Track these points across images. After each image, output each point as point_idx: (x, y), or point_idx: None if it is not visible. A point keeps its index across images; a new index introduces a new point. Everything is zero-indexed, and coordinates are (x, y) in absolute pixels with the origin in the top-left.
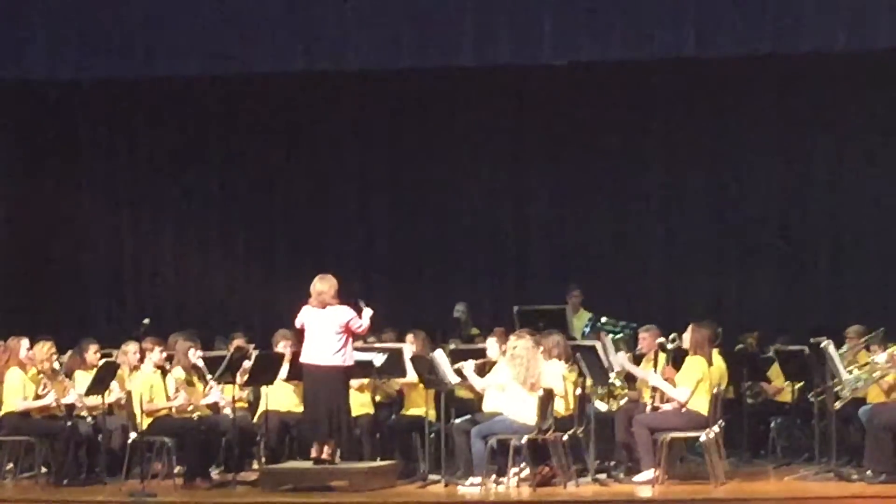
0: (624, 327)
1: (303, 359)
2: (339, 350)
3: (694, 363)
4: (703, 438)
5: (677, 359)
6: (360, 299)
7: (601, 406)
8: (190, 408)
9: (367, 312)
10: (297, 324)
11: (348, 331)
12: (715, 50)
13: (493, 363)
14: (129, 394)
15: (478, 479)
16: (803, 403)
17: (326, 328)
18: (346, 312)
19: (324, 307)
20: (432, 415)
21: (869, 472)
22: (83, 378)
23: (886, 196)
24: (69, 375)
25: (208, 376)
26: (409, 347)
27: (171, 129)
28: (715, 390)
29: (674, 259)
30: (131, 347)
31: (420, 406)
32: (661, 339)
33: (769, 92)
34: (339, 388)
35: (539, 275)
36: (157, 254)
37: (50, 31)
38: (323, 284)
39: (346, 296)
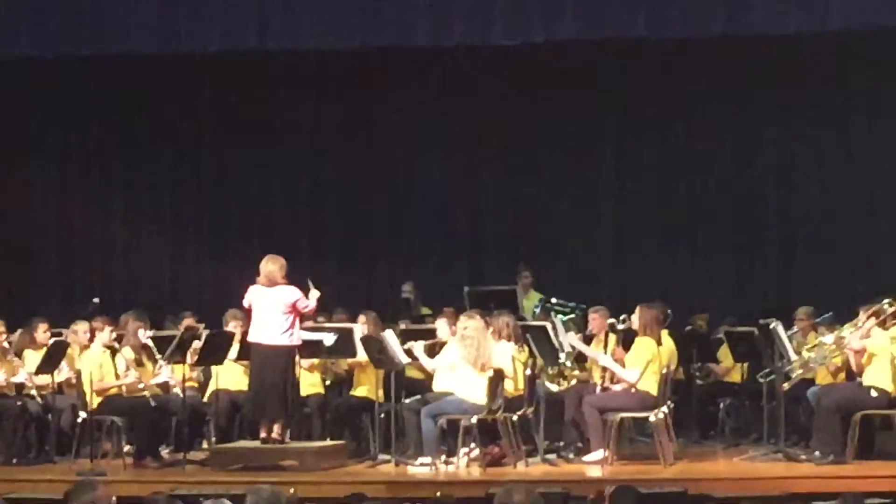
0: (574, 308)
1: (250, 338)
2: (287, 330)
3: (643, 344)
4: (652, 419)
5: (627, 340)
6: (310, 279)
7: (551, 386)
8: (140, 386)
9: (314, 294)
10: (245, 303)
11: (295, 310)
12: (666, 31)
13: (444, 343)
14: (78, 373)
15: (428, 459)
16: (752, 384)
17: (273, 307)
18: (292, 292)
19: (272, 286)
20: (381, 395)
21: (817, 453)
22: (33, 357)
23: (837, 179)
24: (18, 354)
25: (158, 356)
26: (360, 328)
27: (122, 109)
28: (664, 371)
29: (624, 241)
30: (81, 327)
31: (370, 386)
32: (612, 320)
33: (720, 74)
34: (285, 368)
35: (490, 255)
36: (107, 233)
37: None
38: (272, 264)
39: (295, 276)
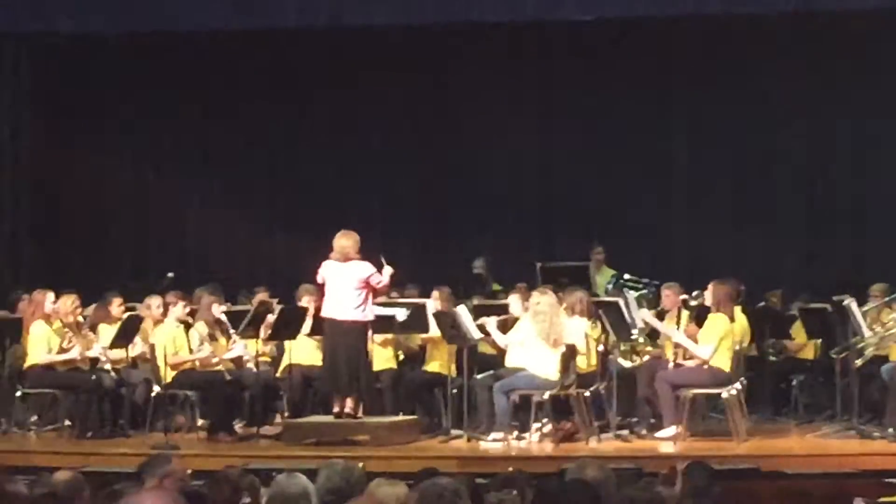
0: (647, 284)
1: (323, 313)
2: (360, 305)
3: (716, 320)
4: (725, 395)
5: (700, 316)
6: (382, 255)
7: (624, 363)
8: (214, 360)
9: (388, 270)
10: (319, 278)
11: (368, 286)
12: (742, 7)
13: (516, 319)
14: (152, 347)
15: (500, 434)
16: (825, 361)
17: (347, 283)
18: (366, 268)
19: (346, 261)
20: (453, 370)
21: (891, 430)
22: (107, 331)
23: None
24: (93, 329)
25: (231, 331)
26: (433, 304)
27: (197, 84)
28: (737, 347)
29: (697, 217)
30: (155, 301)
31: (443, 362)
32: (684, 297)
33: (795, 51)
34: (358, 343)
35: (563, 231)
36: (181, 208)
37: None
38: (346, 240)
39: (368, 252)
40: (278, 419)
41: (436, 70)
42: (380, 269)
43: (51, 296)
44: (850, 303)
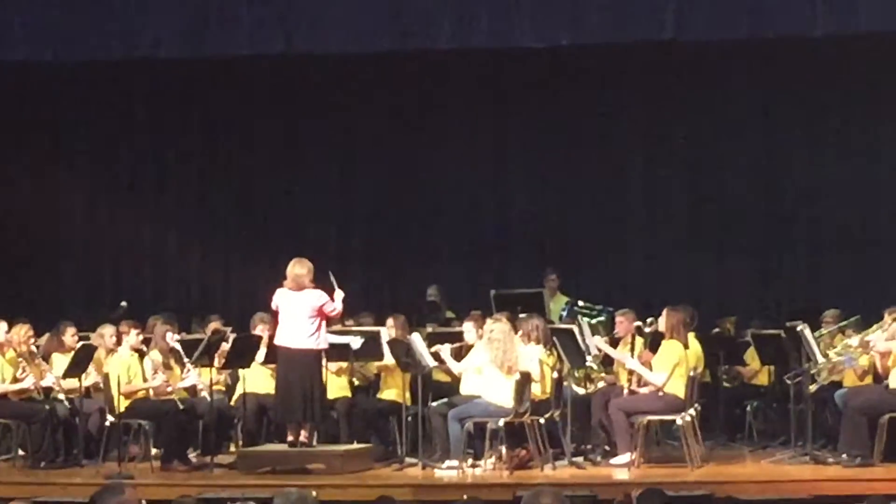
0: (601, 311)
1: (276, 341)
2: (313, 333)
3: (670, 347)
4: (679, 422)
5: (654, 343)
6: (332, 274)
7: (578, 389)
8: (168, 389)
9: (339, 295)
10: (273, 306)
11: (322, 314)
12: (693, 33)
13: (471, 346)
14: (106, 376)
15: (455, 462)
16: (779, 387)
17: (300, 311)
18: (319, 296)
19: (299, 289)
20: (408, 398)
21: (844, 456)
22: (61, 361)
23: (864, 180)
24: (46, 358)
25: (186, 359)
26: (388, 331)
27: (150, 112)
28: (691, 374)
29: (651, 243)
30: (108, 330)
31: (397, 390)
32: (638, 323)
33: (746, 76)
34: (312, 371)
35: (517, 259)
36: (135, 237)
37: (30, 14)
38: (300, 268)
39: (322, 280)
40: (232, 448)
41: (390, 98)
42: (331, 291)
43: (3, 325)
44: (804, 328)
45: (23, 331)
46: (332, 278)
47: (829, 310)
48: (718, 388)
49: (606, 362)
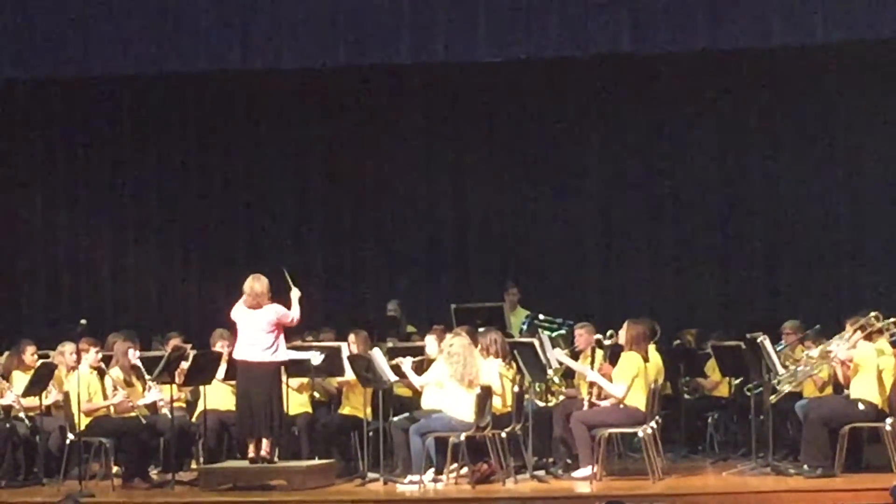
0: (561, 324)
1: (235, 355)
2: (271, 346)
3: (629, 359)
4: (640, 434)
5: (614, 355)
6: (286, 270)
7: (539, 403)
8: (130, 406)
9: (296, 294)
10: (232, 316)
11: (279, 327)
12: (650, 46)
13: (432, 361)
14: (66, 395)
15: (416, 477)
16: (740, 398)
17: (258, 325)
18: (275, 310)
19: (256, 304)
20: (369, 413)
21: (805, 467)
22: (21, 379)
23: (823, 193)
24: (6, 377)
25: (147, 376)
26: (350, 347)
27: (107, 129)
28: (652, 386)
29: (611, 257)
30: (68, 348)
31: (358, 405)
32: (598, 336)
33: (705, 88)
34: (271, 385)
35: (476, 272)
36: (94, 254)
37: None
38: (256, 283)
39: (280, 296)
40: (194, 465)
41: (348, 111)
42: (287, 291)
43: None
44: (764, 340)
45: None
46: (287, 276)
47: (789, 321)
48: (679, 399)
49: (567, 375)
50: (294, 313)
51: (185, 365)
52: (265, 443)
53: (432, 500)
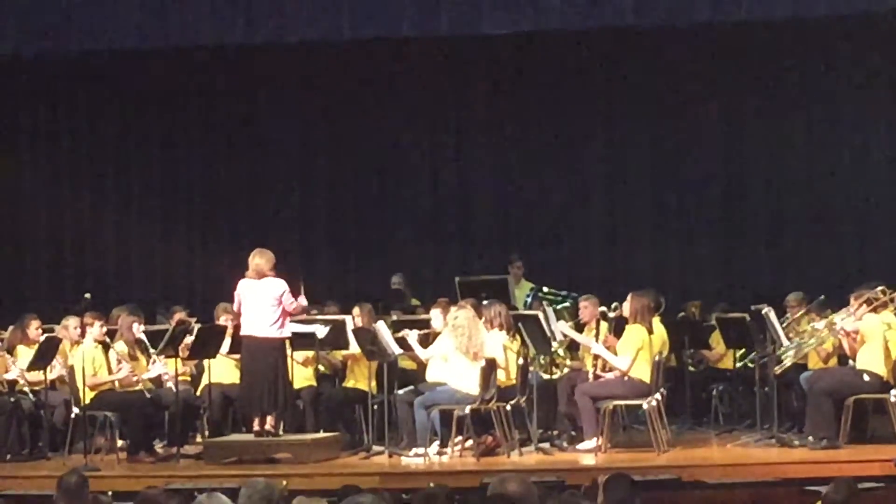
0: (566, 297)
1: (241, 331)
2: (276, 321)
3: (634, 331)
4: (645, 406)
5: (619, 328)
6: (302, 280)
7: (544, 375)
8: (135, 380)
9: (303, 301)
10: (235, 299)
11: (282, 304)
12: (654, 19)
13: (437, 333)
14: (71, 369)
15: (421, 450)
16: (745, 370)
17: (262, 300)
18: (279, 285)
19: (260, 278)
20: (374, 386)
21: (810, 438)
22: (25, 353)
23: (826, 165)
24: (10, 351)
25: (151, 350)
26: (354, 320)
27: (112, 103)
28: (657, 358)
29: (615, 229)
30: (72, 322)
31: (363, 378)
32: (603, 308)
33: (709, 61)
34: (276, 360)
35: (481, 245)
36: (97, 228)
37: None
38: (260, 258)
39: (290, 271)
40: (198, 438)
41: (352, 86)
42: (297, 292)
43: None
44: (768, 311)
45: None
46: (302, 286)
47: (793, 293)
48: (684, 372)
49: (572, 348)
50: (298, 301)
51: (189, 339)
52: (269, 417)
53: (437, 472)
